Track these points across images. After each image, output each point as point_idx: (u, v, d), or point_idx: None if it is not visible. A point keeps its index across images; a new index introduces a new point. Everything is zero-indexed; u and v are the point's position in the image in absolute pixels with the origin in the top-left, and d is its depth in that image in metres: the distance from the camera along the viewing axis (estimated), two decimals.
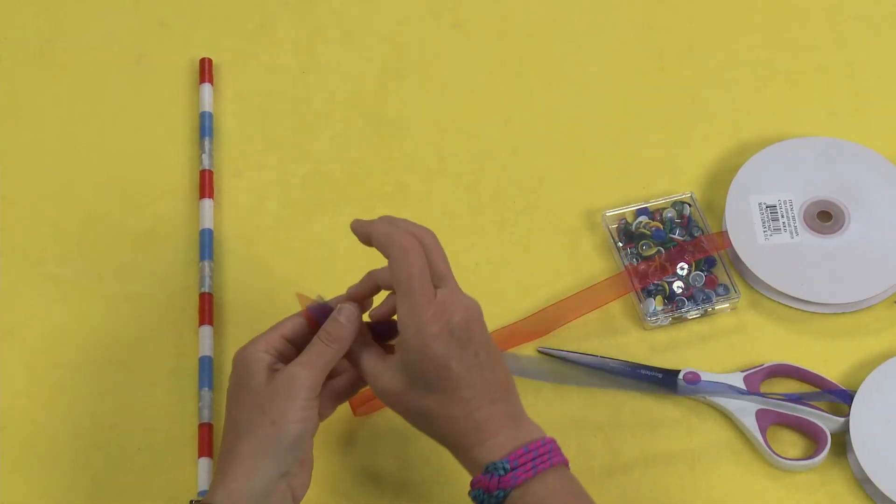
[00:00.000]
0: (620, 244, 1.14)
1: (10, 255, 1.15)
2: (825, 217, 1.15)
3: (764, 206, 1.15)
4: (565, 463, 0.94)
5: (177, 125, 1.22)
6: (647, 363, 1.09)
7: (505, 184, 1.19)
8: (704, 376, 1.08)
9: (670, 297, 1.12)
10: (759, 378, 1.08)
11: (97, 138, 1.21)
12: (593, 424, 1.08)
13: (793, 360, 1.09)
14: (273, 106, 1.23)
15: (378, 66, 1.25)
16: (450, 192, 1.19)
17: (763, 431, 1.05)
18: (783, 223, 1.14)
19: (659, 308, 1.11)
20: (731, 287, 1.12)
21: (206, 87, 1.23)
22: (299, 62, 1.26)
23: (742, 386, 1.07)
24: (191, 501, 0.96)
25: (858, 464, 1.03)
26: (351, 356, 0.96)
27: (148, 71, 1.25)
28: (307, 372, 0.92)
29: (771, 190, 1.15)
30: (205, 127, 1.21)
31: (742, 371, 1.08)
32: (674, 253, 1.13)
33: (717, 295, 1.12)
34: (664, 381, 1.08)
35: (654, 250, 1.14)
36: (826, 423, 1.06)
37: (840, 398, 1.07)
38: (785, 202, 1.15)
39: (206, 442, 1.06)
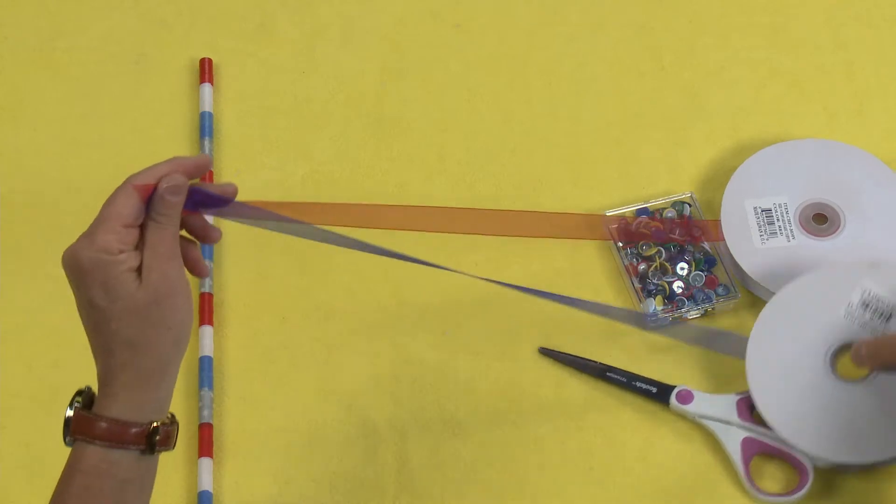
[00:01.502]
0: (620, 244, 1.14)
1: (10, 255, 1.15)
2: (820, 219, 1.15)
3: (759, 210, 1.14)
4: None
5: (177, 125, 1.22)
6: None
7: (505, 184, 1.19)
8: (697, 396, 1.06)
9: (670, 297, 1.12)
10: (752, 403, 1.06)
11: (97, 138, 1.21)
12: (593, 424, 1.08)
13: None
14: (273, 106, 1.23)
15: (378, 66, 1.25)
16: (450, 192, 1.19)
17: (747, 461, 1.04)
18: (779, 227, 1.14)
19: (659, 308, 1.11)
20: (731, 287, 1.12)
21: (206, 87, 1.23)
22: (299, 62, 1.26)
23: (734, 409, 1.05)
24: (76, 402, 0.87)
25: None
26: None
27: (148, 71, 1.25)
28: (176, 264, 0.87)
29: (766, 193, 1.15)
30: (205, 127, 1.21)
31: (737, 393, 1.06)
32: (674, 253, 1.13)
33: (717, 295, 1.12)
34: (658, 397, 1.07)
35: (654, 250, 1.14)
36: (810, 458, 1.03)
37: None
38: (780, 205, 1.15)
39: (207, 442, 1.06)
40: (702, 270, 1.13)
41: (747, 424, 1.05)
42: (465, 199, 1.18)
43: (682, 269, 1.13)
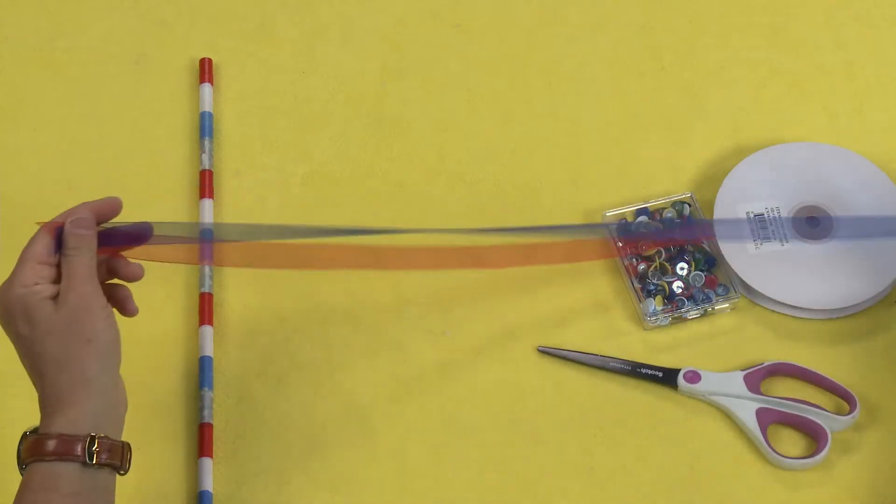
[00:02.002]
0: (620, 244, 1.14)
1: (10, 255, 1.15)
2: (813, 223, 1.15)
3: (752, 216, 1.14)
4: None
5: (177, 125, 1.22)
6: (646, 362, 1.09)
7: (505, 184, 1.19)
8: (705, 375, 1.08)
9: (670, 297, 1.12)
10: (759, 377, 1.08)
11: (97, 138, 1.21)
12: (594, 424, 1.08)
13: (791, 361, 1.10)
14: (273, 106, 1.23)
15: (378, 66, 1.25)
16: (450, 192, 1.19)
17: (763, 430, 1.05)
18: (772, 231, 1.14)
19: (659, 308, 1.11)
20: (730, 287, 1.12)
21: (206, 87, 1.23)
22: (299, 62, 1.26)
23: (742, 385, 1.07)
24: (25, 434, 0.92)
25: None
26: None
27: (148, 71, 1.25)
28: (90, 286, 0.93)
29: (757, 198, 1.15)
30: (205, 127, 1.21)
31: (742, 370, 1.08)
32: (673, 253, 1.13)
33: (717, 295, 1.12)
34: (665, 381, 1.08)
35: (653, 250, 1.14)
36: (827, 421, 1.06)
37: (842, 396, 1.07)
38: (772, 209, 1.15)
39: (207, 442, 1.06)
40: (702, 270, 1.13)
41: (758, 396, 1.07)
42: (465, 199, 1.18)
43: (682, 269, 1.13)
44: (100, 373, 0.91)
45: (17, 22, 1.27)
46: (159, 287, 1.13)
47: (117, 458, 0.91)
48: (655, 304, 1.11)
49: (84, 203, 0.97)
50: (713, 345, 1.11)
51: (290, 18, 1.28)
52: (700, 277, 1.12)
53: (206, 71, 1.23)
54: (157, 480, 1.05)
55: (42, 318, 0.92)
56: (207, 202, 1.17)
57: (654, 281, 1.12)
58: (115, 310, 0.96)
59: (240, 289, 1.14)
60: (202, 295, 1.12)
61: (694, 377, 1.08)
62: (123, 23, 1.27)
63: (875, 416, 1.07)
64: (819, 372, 1.08)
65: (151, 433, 1.07)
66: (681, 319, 1.12)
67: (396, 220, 1.17)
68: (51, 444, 0.89)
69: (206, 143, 1.20)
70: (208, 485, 1.04)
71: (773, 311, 1.12)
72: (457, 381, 1.10)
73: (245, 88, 1.24)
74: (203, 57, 1.24)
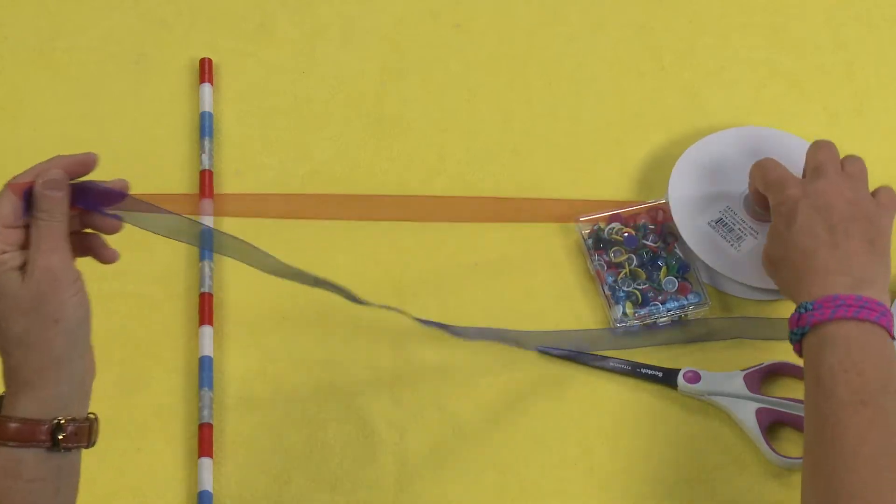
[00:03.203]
0: (592, 250, 1.14)
1: None
2: (764, 205, 1.12)
3: (713, 223, 1.14)
4: (885, 327, 0.96)
5: (177, 125, 1.22)
6: (647, 363, 1.10)
7: (505, 184, 1.19)
8: (705, 375, 1.08)
9: (643, 304, 1.11)
10: (759, 377, 1.08)
11: (97, 138, 1.21)
12: (594, 424, 1.08)
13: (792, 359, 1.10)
14: (273, 106, 1.23)
15: (378, 66, 1.25)
16: (450, 192, 1.19)
17: (763, 430, 1.05)
18: (739, 229, 1.14)
19: (630, 313, 1.11)
20: (702, 294, 1.11)
21: (206, 87, 1.23)
22: (299, 62, 1.25)
23: (742, 385, 1.07)
24: None
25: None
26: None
27: (148, 71, 1.25)
28: (59, 256, 0.88)
29: (708, 205, 1.15)
30: (205, 127, 1.21)
31: (742, 370, 1.08)
32: (646, 259, 1.13)
33: (689, 302, 1.11)
34: (665, 380, 1.08)
35: (624, 257, 1.13)
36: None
37: None
38: (726, 210, 1.14)
39: (207, 442, 1.06)
40: (675, 276, 1.12)
41: (758, 396, 1.07)
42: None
43: (655, 275, 1.12)
44: (67, 352, 0.87)
45: (17, 22, 1.27)
46: (159, 287, 1.13)
47: (84, 438, 0.88)
48: (625, 309, 1.11)
49: (56, 157, 0.92)
50: (713, 345, 1.11)
51: (290, 18, 1.28)
52: (673, 283, 1.12)
53: (206, 71, 1.23)
54: (157, 480, 1.05)
55: (8, 293, 0.87)
56: (207, 202, 1.17)
57: (625, 288, 1.12)
58: (94, 258, 0.91)
59: (240, 289, 1.14)
60: (202, 295, 1.12)
61: (694, 377, 1.08)
62: (123, 23, 1.27)
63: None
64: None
65: (151, 433, 1.07)
66: (653, 326, 1.11)
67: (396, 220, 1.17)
68: (12, 428, 0.85)
69: (206, 143, 1.20)
70: (208, 485, 1.04)
71: (767, 301, 1.12)
72: (457, 381, 1.09)
73: (245, 88, 1.24)
74: (203, 57, 1.24)
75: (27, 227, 0.89)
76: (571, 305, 1.13)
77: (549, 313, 1.12)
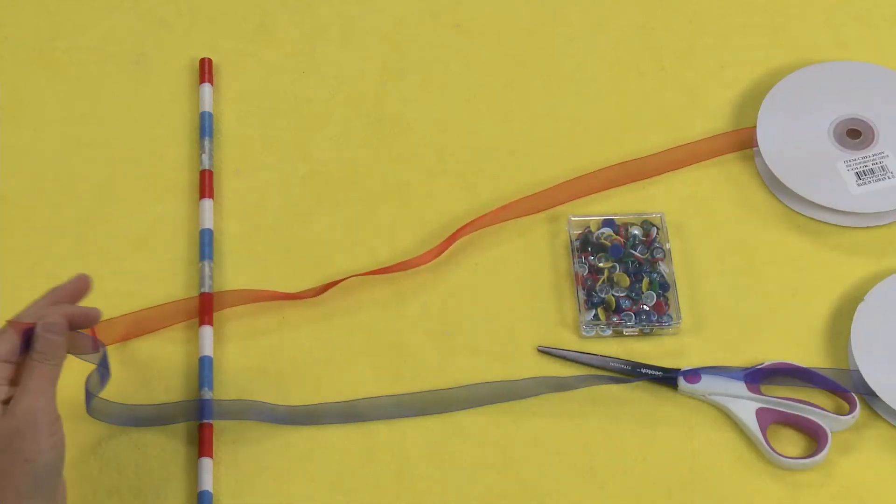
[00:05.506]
0: (577, 251, 1.14)
1: (10, 255, 1.15)
2: (854, 134, 1.17)
3: (851, 161, 1.17)
4: None
5: (177, 125, 1.22)
6: (647, 363, 1.10)
7: (505, 184, 1.19)
8: (704, 375, 1.08)
9: (616, 311, 1.11)
10: (760, 377, 1.08)
11: (97, 138, 1.21)
12: (594, 424, 1.08)
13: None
14: (273, 106, 1.23)
15: (378, 66, 1.25)
16: (450, 192, 1.19)
17: (763, 430, 1.05)
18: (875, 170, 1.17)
19: (601, 320, 1.10)
20: (676, 315, 1.11)
21: (206, 87, 1.23)
22: (299, 62, 1.26)
23: (742, 385, 1.07)
24: None
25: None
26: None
27: (148, 71, 1.25)
28: (44, 399, 0.90)
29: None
30: (205, 127, 1.21)
31: (742, 370, 1.08)
32: (631, 269, 1.13)
33: (659, 320, 1.11)
34: (665, 380, 1.08)
35: (609, 264, 1.13)
36: (827, 421, 1.06)
37: (842, 396, 1.07)
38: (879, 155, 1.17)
39: (207, 442, 1.06)
40: (655, 292, 1.12)
41: (758, 396, 1.07)
42: (465, 200, 1.18)
43: (637, 285, 1.12)
44: (34, 494, 0.88)
45: (17, 22, 1.27)
46: (159, 287, 1.13)
47: None
48: (597, 314, 1.11)
49: (58, 306, 0.95)
50: (713, 344, 1.11)
51: (290, 18, 1.28)
52: (652, 297, 1.12)
53: (206, 71, 1.23)
54: (157, 480, 1.05)
55: None
56: (207, 202, 1.17)
57: (601, 294, 1.12)
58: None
59: (240, 289, 1.14)
60: (202, 295, 1.12)
61: (694, 377, 1.08)
62: (123, 23, 1.27)
63: (875, 415, 1.07)
64: (819, 371, 1.08)
65: (151, 433, 1.07)
66: (620, 334, 1.11)
67: (396, 220, 1.17)
68: None
69: (206, 143, 1.20)
70: (208, 485, 1.04)
71: (806, 215, 1.16)
72: (457, 381, 1.09)
73: (245, 88, 1.24)
74: (203, 57, 1.24)
75: (19, 364, 0.92)
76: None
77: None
